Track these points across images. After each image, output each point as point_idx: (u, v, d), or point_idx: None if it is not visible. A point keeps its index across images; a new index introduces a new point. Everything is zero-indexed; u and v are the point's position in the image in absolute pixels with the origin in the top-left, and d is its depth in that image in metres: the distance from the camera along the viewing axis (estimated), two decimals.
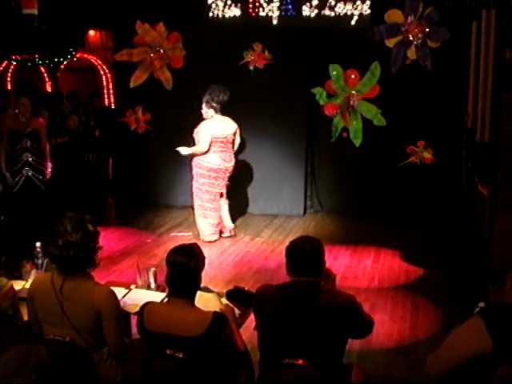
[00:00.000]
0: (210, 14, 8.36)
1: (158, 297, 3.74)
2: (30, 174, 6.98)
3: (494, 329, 2.48)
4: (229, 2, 8.25)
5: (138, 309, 3.30)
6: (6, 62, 10.28)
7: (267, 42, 8.26)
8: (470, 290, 5.38)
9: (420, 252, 7.03)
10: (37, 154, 7.04)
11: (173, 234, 7.78)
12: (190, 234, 7.70)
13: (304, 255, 3.05)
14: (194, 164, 7.31)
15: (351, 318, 3.02)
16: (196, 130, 7.29)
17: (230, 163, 7.34)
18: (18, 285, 3.82)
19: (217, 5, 8.31)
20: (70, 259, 3.10)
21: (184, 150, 7.27)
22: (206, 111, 7.24)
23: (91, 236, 3.18)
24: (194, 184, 7.36)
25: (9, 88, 10.62)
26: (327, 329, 2.95)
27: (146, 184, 9.25)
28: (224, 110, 8.53)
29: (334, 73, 8.16)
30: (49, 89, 11.11)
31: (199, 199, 7.35)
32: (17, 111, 6.90)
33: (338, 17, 7.91)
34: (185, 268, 3.01)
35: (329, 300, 3.01)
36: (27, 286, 3.80)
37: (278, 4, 8.05)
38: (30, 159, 6.98)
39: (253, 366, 3.35)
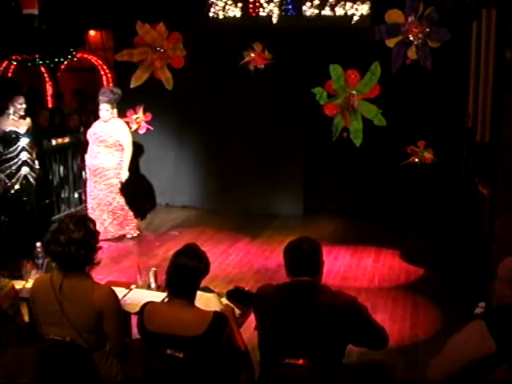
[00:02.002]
0: (210, 14, 8.36)
1: (158, 297, 3.74)
2: (26, 172, 6.97)
3: (495, 330, 2.48)
4: (229, 2, 8.25)
5: (138, 309, 3.30)
6: (6, 62, 10.27)
7: (267, 42, 8.25)
8: (470, 290, 5.38)
9: (420, 252, 7.03)
10: (31, 152, 7.03)
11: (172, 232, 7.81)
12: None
13: (301, 255, 3.07)
14: (116, 169, 7.22)
15: (352, 320, 3.01)
16: (110, 131, 7.12)
17: None
18: (18, 285, 3.82)
19: (217, 5, 8.31)
20: (71, 256, 3.12)
21: (126, 174, 7.26)
22: (111, 111, 7.15)
23: (92, 234, 3.22)
24: (116, 186, 7.29)
25: None
26: (326, 329, 2.95)
27: (146, 184, 9.26)
28: (225, 110, 8.57)
29: (334, 73, 8.16)
30: (49, 89, 11.11)
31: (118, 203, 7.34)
32: (12, 111, 6.83)
33: (338, 17, 7.90)
34: (193, 270, 3.02)
35: (327, 300, 3.01)
36: (28, 285, 3.81)
37: (278, 4, 8.05)
38: (27, 158, 6.97)
39: (253, 366, 3.35)
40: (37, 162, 7.15)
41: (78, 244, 3.12)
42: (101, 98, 7.12)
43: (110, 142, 7.15)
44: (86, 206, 7.42)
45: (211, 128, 8.67)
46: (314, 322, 2.95)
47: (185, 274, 3.03)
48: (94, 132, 7.18)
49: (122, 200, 7.35)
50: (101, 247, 3.32)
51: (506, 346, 2.45)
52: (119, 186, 7.28)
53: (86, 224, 3.20)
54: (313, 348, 2.94)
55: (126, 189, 7.51)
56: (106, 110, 7.10)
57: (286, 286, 3.12)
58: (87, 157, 7.31)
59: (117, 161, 7.22)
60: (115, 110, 7.18)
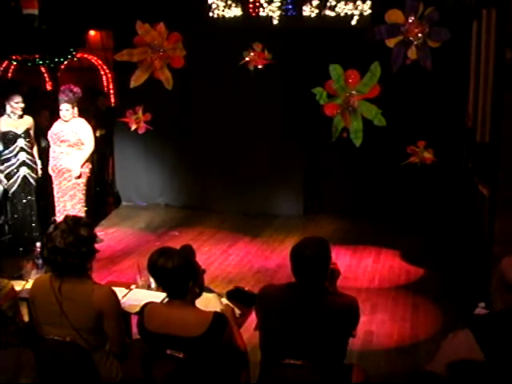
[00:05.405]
0: (210, 14, 8.37)
1: (158, 297, 3.73)
2: (25, 172, 6.97)
3: (483, 341, 2.45)
4: (229, 2, 8.25)
5: (138, 309, 3.30)
6: (6, 62, 10.27)
7: (267, 42, 8.25)
8: (470, 290, 5.38)
9: (420, 252, 7.03)
10: (30, 152, 7.04)
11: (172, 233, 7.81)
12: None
13: (304, 261, 2.98)
14: (81, 169, 6.91)
15: (353, 320, 3.03)
16: (72, 131, 6.88)
17: None
18: (18, 285, 3.82)
19: (217, 5, 8.31)
20: (58, 264, 3.11)
21: (78, 171, 6.89)
22: (72, 111, 6.88)
23: (83, 241, 3.13)
24: (82, 187, 6.99)
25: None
26: (331, 331, 2.94)
27: (146, 184, 9.26)
28: (225, 110, 8.57)
29: (334, 73, 8.16)
30: (49, 89, 11.11)
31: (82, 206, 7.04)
32: (9, 111, 6.83)
33: (338, 17, 7.91)
34: (170, 271, 2.98)
35: (334, 303, 3.00)
36: (27, 286, 3.81)
37: (278, 4, 8.05)
38: (26, 158, 6.97)
39: (249, 366, 3.33)
40: (39, 162, 7.15)
41: (62, 253, 3.08)
42: (60, 97, 6.88)
43: (73, 141, 6.89)
44: (55, 217, 6.96)
45: (211, 128, 8.66)
46: (320, 323, 2.93)
47: (165, 275, 3.00)
48: (55, 132, 6.94)
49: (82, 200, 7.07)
50: (98, 251, 3.29)
51: (493, 356, 2.43)
52: (82, 183, 7.01)
53: (76, 231, 3.11)
54: (315, 349, 2.93)
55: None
56: (66, 109, 6.86)
57: (291, 287, 3.07)
58: (50, 158, 7.05)
59: (79, 158, 6.96)
60: (76, 109, 6.93)
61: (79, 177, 6.93)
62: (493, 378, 2.43)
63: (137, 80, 8.83)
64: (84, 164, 6.97)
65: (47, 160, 7.13)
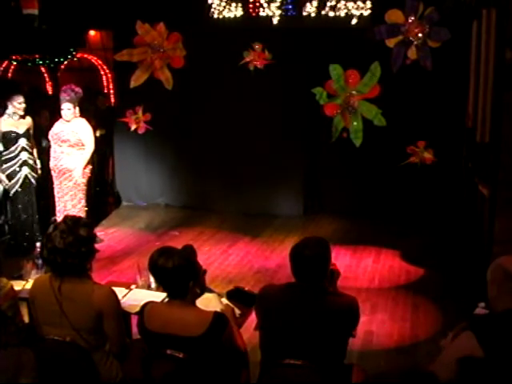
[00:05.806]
0: (210, 14, 8.37)
1: (159, 297, 3.74)
2: (27, 172, 6.97)
3: (484, 341, 2.45)
4: (229, 2, 8.26)
5: (138, 309, 3.30)
6: (6, 62, 10.28)
7: (267, 42, 8.26)
8: (470, 290, 5.38)
9: (420, 252, 7.03)
10: (31, 152, 7.04)
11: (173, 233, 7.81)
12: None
13: (304, 262, 2.97)
14: (83, 171, 6.93)
15: (353, 320, 3.03)
16: (73, 131, 6.86)
17: None
18: (18, 285, 3.82)
19: (217, 5, 8.31)
20: (57, 264, 3.11)
21: (80, 174, 6.89)
22: (74, 111, 6.87)
23: (83, 241, 3.13)
24: (82, 187, 7.00)
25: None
26: (331, 331, 2.94)
27: (147, 184, 9.26)
28: (225, 110, 8.58)
29: (334, 73, 8.16)
30: (49, 89, 11.11)
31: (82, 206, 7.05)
32: (11, 111, 6.83)
33: (338, 17, 7.91)
34: (170, 271, 2.98)
35: (334, 303, 3.00)
36: (27, 286, 3.81)
37: (278, 4, 8.05)
38: (27, 158, 6.97)
39: (249, 366, 3.34)
40: (38, 162, 7.17)
41: (62, 253, 3.08)
42: (62, 97, 6.86)
43: (73, 141, 6.88)
44: (55, 217, 7.01)
45: (211, 128, 8.66)
46: (321, 323, 2.93)
47: (165, 275, 3.00)
48: (56, 132, 6.93)
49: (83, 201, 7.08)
50: (98, 250, 3.29)
51: (494, 356, 2.43)
52: (83, 184, 7.00)
53: (75, 231, 3.11)
54: (316, 349, 2.93)
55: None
56: (68, 109, 6.85)
57: (291, 287, 3.07)
58: (51, 158, 7.04)
59: (81, 160, 6.96)
60: (77, 109, 6.93)
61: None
62: (494, 379, 2.43)
63: (137, 80, 8.83)
64: (86, 166, 6.99)
65: (47, 160, 7.13)
